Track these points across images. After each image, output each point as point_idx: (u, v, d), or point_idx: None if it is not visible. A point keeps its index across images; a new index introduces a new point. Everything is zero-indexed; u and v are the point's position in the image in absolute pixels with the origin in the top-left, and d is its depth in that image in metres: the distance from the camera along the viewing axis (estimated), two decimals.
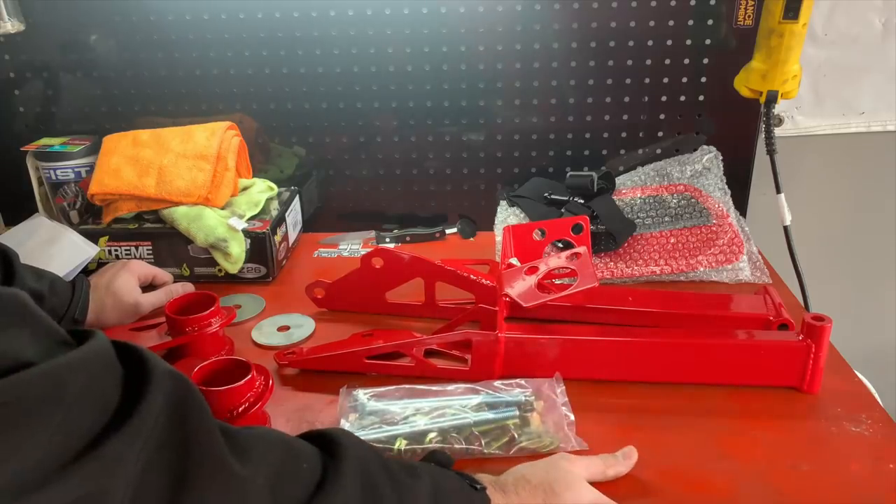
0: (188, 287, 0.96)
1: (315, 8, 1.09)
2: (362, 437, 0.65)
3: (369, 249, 0.94)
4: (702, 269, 0.98)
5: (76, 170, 1.09)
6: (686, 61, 1.10)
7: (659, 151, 1.16)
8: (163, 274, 0.98)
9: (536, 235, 0.90)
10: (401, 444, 0.65)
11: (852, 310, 1.30)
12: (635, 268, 0.99)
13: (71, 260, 0.98)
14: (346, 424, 0.67)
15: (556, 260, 0.79)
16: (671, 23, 1.07)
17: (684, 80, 1.11)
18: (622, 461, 0.62)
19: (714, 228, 1.00)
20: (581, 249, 0.80)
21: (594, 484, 0.59)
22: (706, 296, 0.90)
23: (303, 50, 1.12)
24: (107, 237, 1.03)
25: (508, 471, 0.59)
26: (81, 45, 1.14)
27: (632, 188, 1.11)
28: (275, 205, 1.11)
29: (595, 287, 0.77)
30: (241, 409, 0.66)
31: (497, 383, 0.72)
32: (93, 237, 1.01)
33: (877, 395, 0.75)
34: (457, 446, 0.66)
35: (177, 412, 0.39)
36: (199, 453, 0.40)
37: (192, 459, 0.39)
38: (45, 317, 0.38)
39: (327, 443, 0.49)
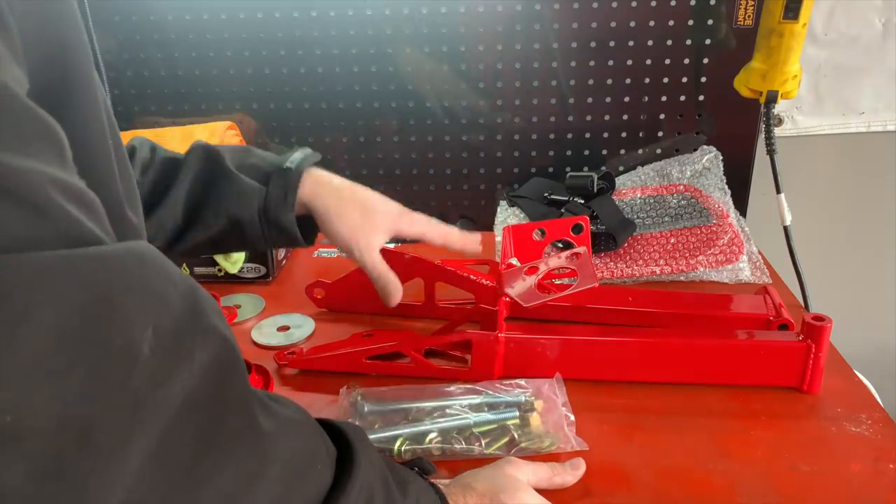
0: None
1: (315, 8, 1.09)
2: None
3: None
4: (702, 269, 0.98)
5: None
6: (686, 61, 1.10)
7: (659, 151, 1.16)
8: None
9: (536, 235, 0.90)
10: (401, 445, 0.65)
11: (852, 310, 1.30)
12: (635, 268, 0.99)
13: None
14: None
15: (556, 260, 0.79)
16: (671, 23, 1.07)
17: (684, 80, 1.11)
18: (570, 470, 0.62)
19: (714, 228, 1.00)
20: (581, 249, 0.80)
21: (540, 490, 0.59)
22: (706, 296, 0.90)
23: (303, 50, 1.12)
24: None
25: (454, 479, 0.59)
26: None
27: (632, 188, 1.11)
28: None
29: (595, 287, 0.77)
30: None
31: (497, 383, 0.72)
32: None
33: (877, 395, 0.75)
34: (457, 447, 0.66)
35: (219, 377, 0.35)
36: (233, 424, 0.36)
37: (223, 430, 0.35)
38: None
39: (341, 449, 0.46)
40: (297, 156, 0.70)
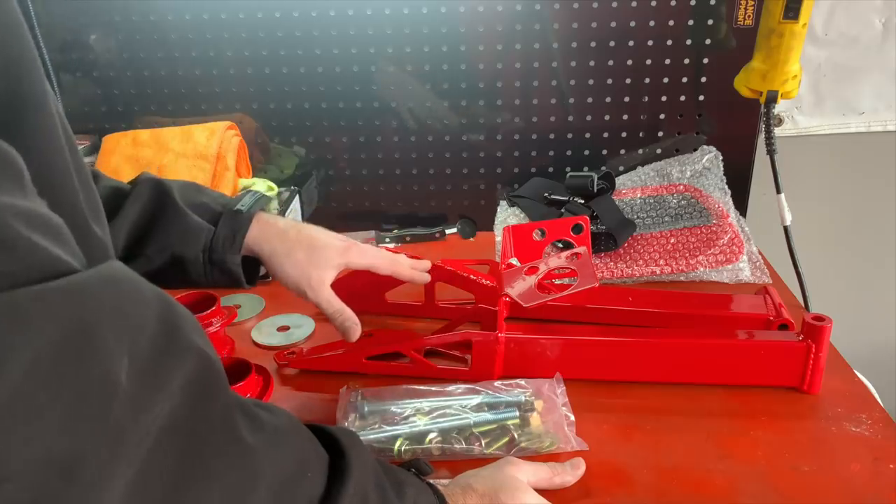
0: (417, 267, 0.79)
1: (315, 8, 1.09)
2: (362, 438, 0.65)
3: None
4: (702, 269, 0.98)
5: None
6: (686, 61, 1.10)
7: (659, 151, 1.16)
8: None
9: (536, 235, 0.90)
10: (401, 445, 0.65)
11: (852, 310, 1.30)
12: (635, 268, 0.99)
13: None
14: (345, 425, 0.67)
15: (556, 260, 0.79)
16: (671, 23, 1.07)
17: (684, 80, 1.11)
18: (570, 470, 0.62)
19: (714, 228, 1.00)
20: (581, 249, 0.80)
21: (540, 490, 0.59)
22: (706, 296, 0.90)
23: (303, 50, 1.12)
24: None
25: (454, 479, 0.59)
26: (81, 44, 1.14)
27: (632, 188, 1.11)
28: (274, 205, 1.10)
29: (595, 287, 0.77)
30: None
31: (497, 383, 0.72)
32: None
33: (877, 395, 0.75)
34: (457, 447, 0.66)
35: (199, 394, 0.35)
36: (216, 442, 0.36)
37: (207, 448, 0.35)
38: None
39: (333, 454, 0.46)
40: (248, 199, 0.71)
